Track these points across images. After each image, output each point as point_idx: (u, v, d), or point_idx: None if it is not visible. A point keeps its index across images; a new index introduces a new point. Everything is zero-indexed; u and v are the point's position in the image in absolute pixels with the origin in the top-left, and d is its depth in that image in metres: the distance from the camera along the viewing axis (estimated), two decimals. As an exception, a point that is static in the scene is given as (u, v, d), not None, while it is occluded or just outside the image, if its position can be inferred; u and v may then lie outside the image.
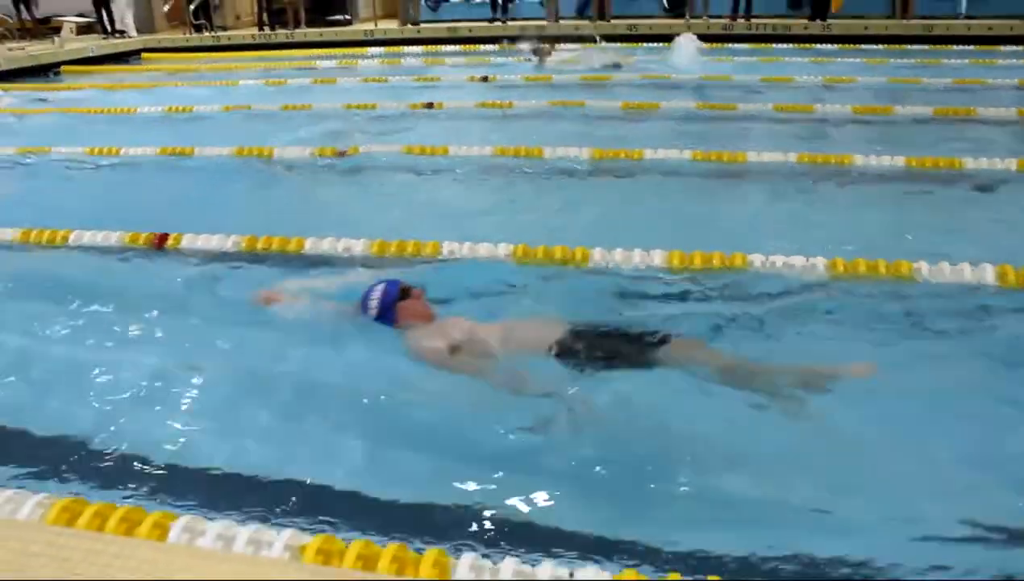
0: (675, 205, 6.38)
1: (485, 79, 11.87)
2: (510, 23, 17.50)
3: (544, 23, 17.19)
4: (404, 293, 3.90)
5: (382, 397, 3.52)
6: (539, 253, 4.99)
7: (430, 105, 9.92)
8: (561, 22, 17.37)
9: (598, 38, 15.11)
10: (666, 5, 18.14)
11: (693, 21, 16.49)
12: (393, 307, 3.86)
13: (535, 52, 13.84)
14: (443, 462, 3.07)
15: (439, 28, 17.54)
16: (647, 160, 7.17)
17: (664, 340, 3.64)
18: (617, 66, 12.82)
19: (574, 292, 4.64)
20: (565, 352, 3.60)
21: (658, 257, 4.84)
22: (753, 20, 16.47)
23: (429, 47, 16.34)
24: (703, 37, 15.43)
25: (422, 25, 18.07)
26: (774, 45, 14.86)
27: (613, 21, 17.11)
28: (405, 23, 17.84)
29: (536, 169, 7.19)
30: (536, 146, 7.51)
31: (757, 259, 4.77)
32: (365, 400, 3.51)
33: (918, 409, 3.36)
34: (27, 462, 3.22)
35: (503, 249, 5.03)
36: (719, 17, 16.67)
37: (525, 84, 11.69)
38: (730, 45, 15.04)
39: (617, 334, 3.77)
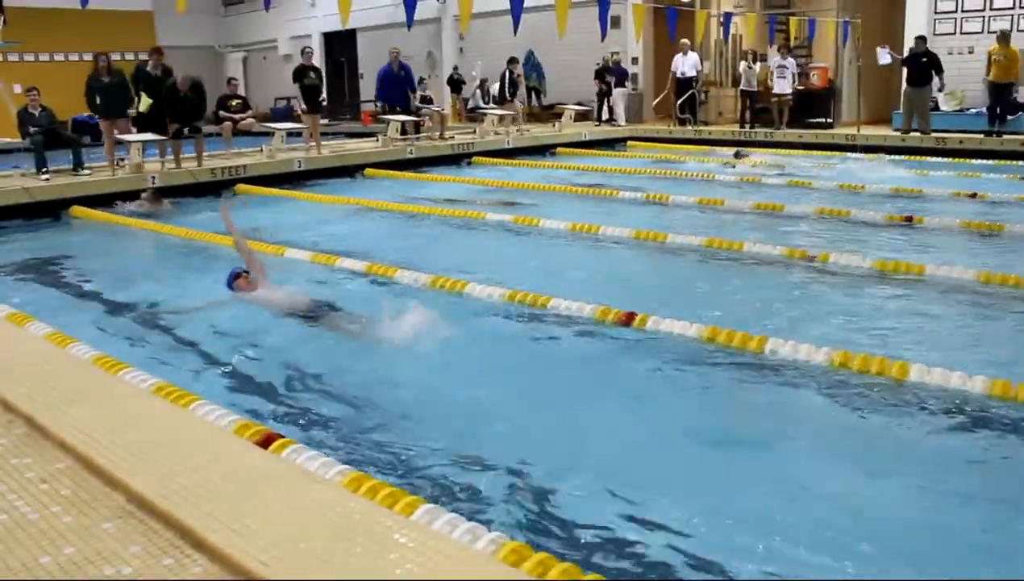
0: None
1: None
2: (1008, 137, 16.11)
3: (1049, 140, 15.65)
4: (236, 276, 6.72)
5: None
6: (996, 388, 4.58)
7: (909, 219, 9.53)
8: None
9: None
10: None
11: None
12: (231, 284, 6.76)
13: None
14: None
15: (927, 137, 16.69)
16: None
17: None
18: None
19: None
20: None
21: None
22: None
23: (913, 157, 15.60)
24: None
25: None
26: None
27: None
28: (908, 131, 17.03)
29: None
30: (1029, 276, 6.87)
31: None
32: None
33: None
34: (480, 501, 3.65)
35: (979, 382, 4.66)
36: None
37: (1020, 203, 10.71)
38: None
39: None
